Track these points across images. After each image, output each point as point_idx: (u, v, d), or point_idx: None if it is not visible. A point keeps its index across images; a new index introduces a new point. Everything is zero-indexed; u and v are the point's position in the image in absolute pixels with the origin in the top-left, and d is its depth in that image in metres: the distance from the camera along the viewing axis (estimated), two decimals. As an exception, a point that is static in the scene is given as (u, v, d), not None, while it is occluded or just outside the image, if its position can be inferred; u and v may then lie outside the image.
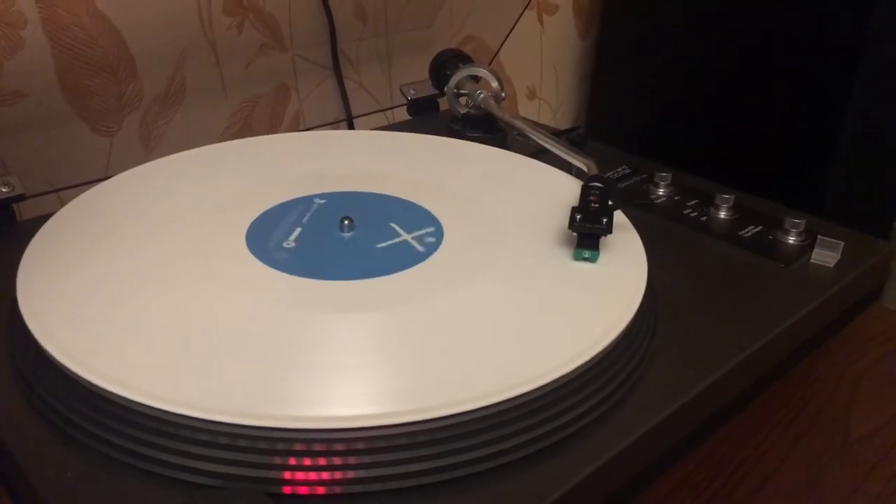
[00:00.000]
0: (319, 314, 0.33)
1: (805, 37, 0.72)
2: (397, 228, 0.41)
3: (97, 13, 0.54)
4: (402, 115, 0.67)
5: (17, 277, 0.35)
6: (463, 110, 0.58)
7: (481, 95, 0.57)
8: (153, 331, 0.32)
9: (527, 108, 0.95)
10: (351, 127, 0.73)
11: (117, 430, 0.28)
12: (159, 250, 0.38)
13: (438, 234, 0.40)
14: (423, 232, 0.40)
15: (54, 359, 0.30)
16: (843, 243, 0.43)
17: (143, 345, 0.31)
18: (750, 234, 0.45)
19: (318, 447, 0.27)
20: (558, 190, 0.46)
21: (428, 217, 0.42)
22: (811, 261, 0.43)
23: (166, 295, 0.34)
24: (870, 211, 0.81)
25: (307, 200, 0.43)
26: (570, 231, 0.38)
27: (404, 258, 0.38)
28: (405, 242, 0.39)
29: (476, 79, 0.60)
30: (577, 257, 0.38)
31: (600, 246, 0.38)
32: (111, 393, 0.29)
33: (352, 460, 0.27)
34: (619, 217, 0.41)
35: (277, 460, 0.27)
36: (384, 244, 0.39)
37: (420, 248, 0.39)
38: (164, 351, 0.31)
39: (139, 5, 0.56)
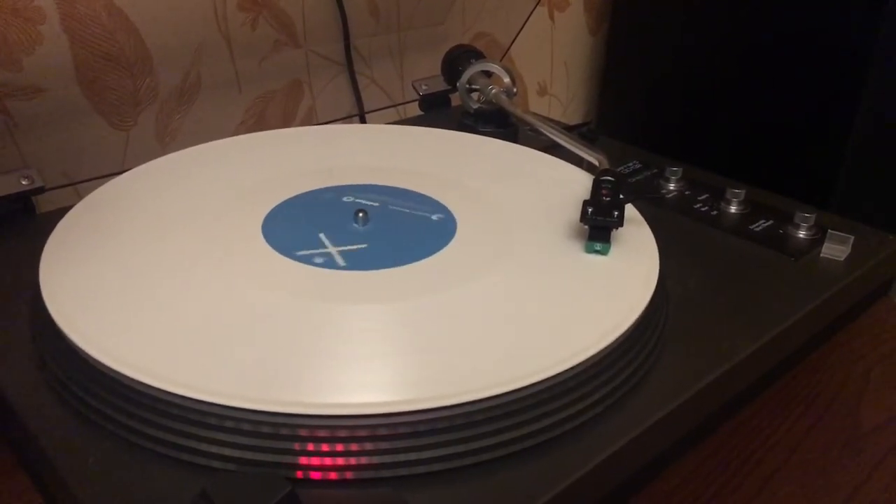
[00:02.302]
0: (336, 304, 0.34)
1: (816, 32, 0.72)
2: (411, 221, 0.41)
3: (115, 9, 0.55)
4: (414, 110, 0.67)
5: (39, 267, 0.36)
6: (475, 105, 0.59)
7: (493, 91, 0.58)
8: (173, 319, 0.33)
9: (537, 105, 0.95)
10: (363, 122, 0.73)
11: (138, 415, 0.29)
12: (178, 241, 0.38)
13: (452, 226, 0.41)
14: (436, 224, 0.41)
15: (76, 346, 0.31)
16: (853, 238, 0.43)
17: (163, 332, 0.32)
18: (760, 228, 0.45)
19: (332, 433, 0.27)
20: (570, 184, 0.46)
21: (441, 210, 0.42)
22: (821, 255, 0.43)
23: (185, 284, 0.35)
24: (879, 207, 0.81)
25: (322, 193, 0.44)
26: (582, 224, 0.39)
27: (419, 250, 0.38)
28: (419, 235, 0.40)
29: (488, 74, 0.60)
30: (589, 250, 0.38)
31: (612, 239, 0.39)
32: (131, 379, 0.29)
33: (365, 447, 0.27)
34: (630, 211, 0.42)
35: (293, 445, 0.27)
36: (398, 236, 0.40)
37: (434, 241, 0.39)
38: (184, 338, 0.31)
39: (156, 1, 0.57)
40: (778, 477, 0.38)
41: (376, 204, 0.43)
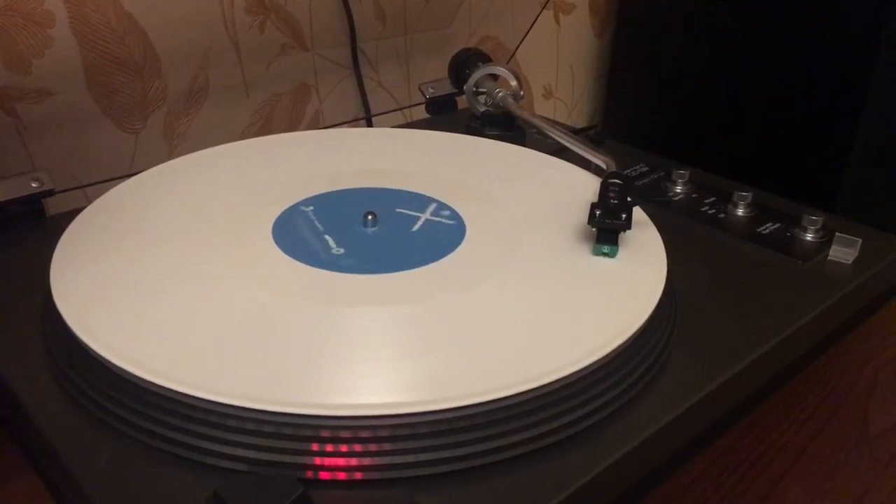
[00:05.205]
0: (346, 307, 0.34)
1: (822, 35, 0.72)
2: (420, 224, 0.41)
3: (124, 13, 0.55)
4: (421, 113, 0.67)
5: (50, 269, 0.36)
6: (482, 108, 0.59)
7: (500, 94, 0.58)
8: (184, 320, 0.33)
9: (542, 108, 0.95)
10: (370, 125, 0.73)
11: (150, 416, 0.29)
12: (187, 244, 0.39)
13: (460, 229, 0.41)
14: (445, 227, 0.41)
15: (88, 347, 0.31)
16: (860, 241, 0.43)
17: (174, 334, 0.32)
18: (768, 231, 0.45)
19: (344, 434, 0.28)
20: (577, 187, 0.46)
21: (450, 213, 0.43)
22: (829, 258, 0.43)
23: (196, 287, 0.35)
24: (884, 211, 0.81)
25: (330, 196, 0.44)
26: (589, 226, 0.39)
27: (428, 253, 0.38)
28: (428, 237, 0.40)
29: (495, 77, 0.60)
30: (597, 252, 0.39)
31: (619, 241, 0.39)
32: (142, 380, 0.29)
33: (376, 447, 0.27)
34: (637, 213, 0.42)
35: (306, 446, 0.27)
36: (408, 239, 0.40)
37: (443, 243, 0.39)
38: (195, 339, 0.32)
39: (164, 5, 0.57)
40: (786, 480, 0.38)
41: (385, 207, 0.43)
